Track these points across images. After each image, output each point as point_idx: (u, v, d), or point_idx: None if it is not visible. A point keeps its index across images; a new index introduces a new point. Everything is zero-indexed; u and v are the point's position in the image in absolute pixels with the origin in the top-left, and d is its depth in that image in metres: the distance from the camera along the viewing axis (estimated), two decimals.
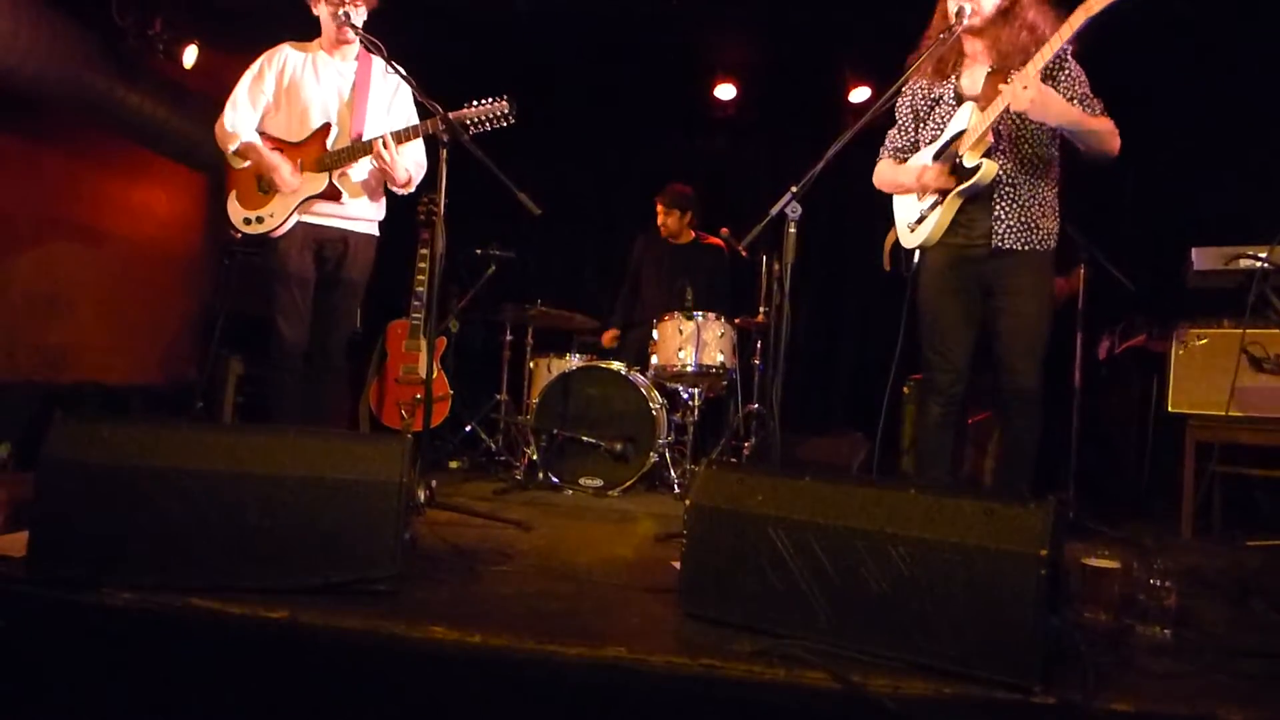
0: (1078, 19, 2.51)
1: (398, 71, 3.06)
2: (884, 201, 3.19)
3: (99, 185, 4.97)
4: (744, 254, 4.00)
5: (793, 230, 2.64)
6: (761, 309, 4.67)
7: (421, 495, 2.69)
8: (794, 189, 2.57)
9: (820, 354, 5.96)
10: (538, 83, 5.96)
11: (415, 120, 3.29)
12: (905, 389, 4.75)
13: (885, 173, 3.11)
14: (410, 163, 3.32)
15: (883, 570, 1.66)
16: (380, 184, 3.36)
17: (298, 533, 1.88)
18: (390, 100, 3.35)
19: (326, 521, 1.89)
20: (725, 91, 5.94)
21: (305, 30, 3.34)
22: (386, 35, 3.09)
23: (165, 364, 5.43)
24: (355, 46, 3.27)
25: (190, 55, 4.67)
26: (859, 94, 5.62)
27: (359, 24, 3.15)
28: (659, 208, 5.03)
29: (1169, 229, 4.67)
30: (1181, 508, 3.59)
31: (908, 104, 3.05)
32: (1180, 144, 4.74)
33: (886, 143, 3.14)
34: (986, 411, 4.15)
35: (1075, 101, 2.71)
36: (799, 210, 2.59)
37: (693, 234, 5.08)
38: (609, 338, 5.23)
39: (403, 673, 1.69)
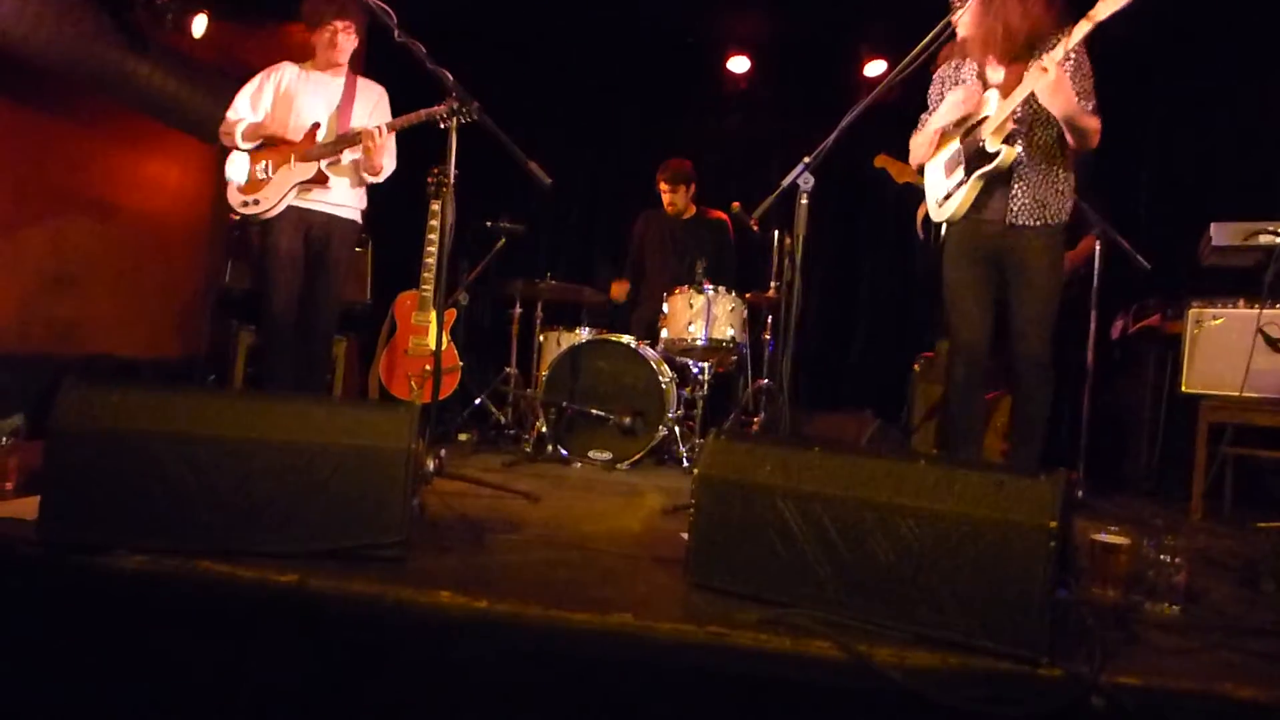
0: (1082, 28, 2.60)
1: (406, 43, 3.04)
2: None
3: (109, 158, 4.95)
4: (755, 228, 3.97)
5: (804, 202, 2.63)
6: (772, 284, 4.65)
7: (430, 465, 2.69)
8: (806, 159, 2.56)
9: (831, 330, 5.94)
10: (550, 54, 5.95)
11: None
12: (915, 366, 4.73)
13: (916, 142, 3.19)
14: (388, 158, 3.69)
15: (891, 541, 1.65)
16: (360, 176, 3.69)
17: (306, 499, 1.89)
18: (372, 109, 3.71)
19: (334, 488, 1.90)
20: (739, 65, 5.88)
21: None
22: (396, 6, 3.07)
23: (177, 336, 5.44)
24: (344, 67, 3.69)
25: (199, 25, 4.63)
26: (874, 68, 5.54)
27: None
28: (662, 186, 4.97)
29: (1185, 209, 4.61)
30: (1192, 489, 3.57)
31: (938, 90, 3.15)
32: (1197, 122, 4.68)
33: (920, 127, 3.21)
34: (996, 391, 4.12)
35: (1079, 97, 2.79)
36: (811, 181, 2.59)
37: (694, 208, 5.05)
38: (618, 289, 5.18)
39: (409, 638, 1.70)
